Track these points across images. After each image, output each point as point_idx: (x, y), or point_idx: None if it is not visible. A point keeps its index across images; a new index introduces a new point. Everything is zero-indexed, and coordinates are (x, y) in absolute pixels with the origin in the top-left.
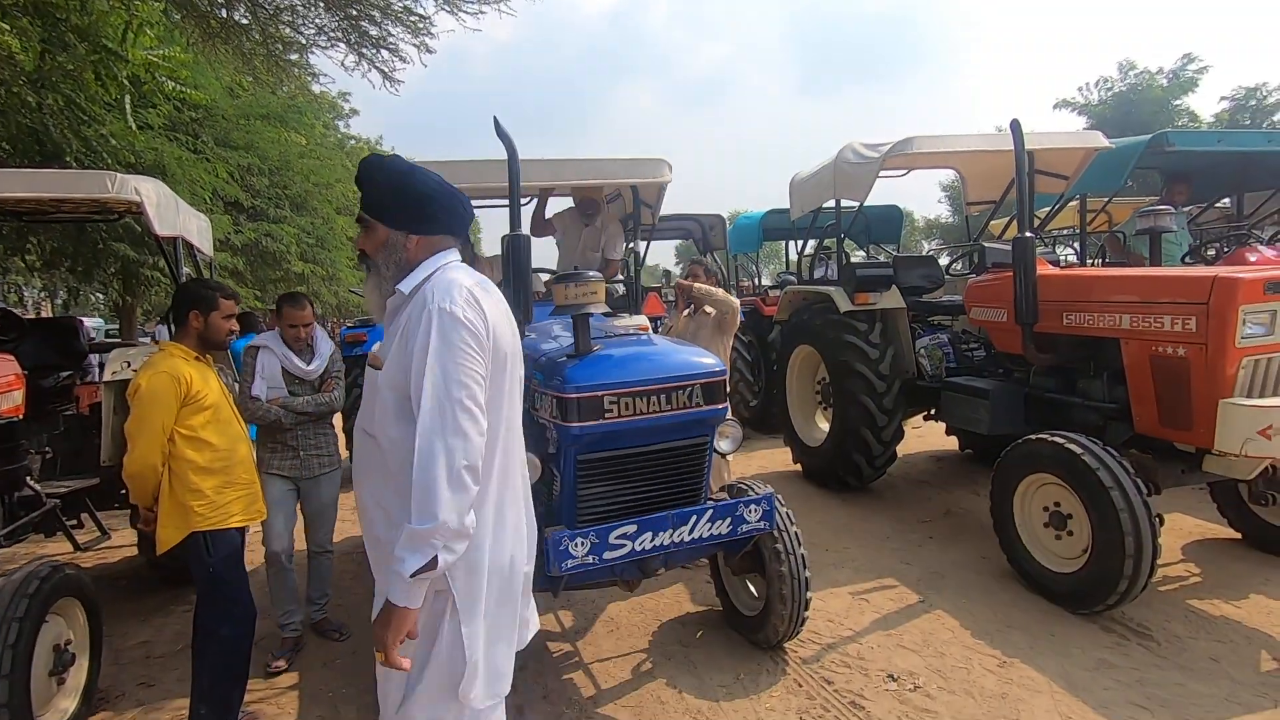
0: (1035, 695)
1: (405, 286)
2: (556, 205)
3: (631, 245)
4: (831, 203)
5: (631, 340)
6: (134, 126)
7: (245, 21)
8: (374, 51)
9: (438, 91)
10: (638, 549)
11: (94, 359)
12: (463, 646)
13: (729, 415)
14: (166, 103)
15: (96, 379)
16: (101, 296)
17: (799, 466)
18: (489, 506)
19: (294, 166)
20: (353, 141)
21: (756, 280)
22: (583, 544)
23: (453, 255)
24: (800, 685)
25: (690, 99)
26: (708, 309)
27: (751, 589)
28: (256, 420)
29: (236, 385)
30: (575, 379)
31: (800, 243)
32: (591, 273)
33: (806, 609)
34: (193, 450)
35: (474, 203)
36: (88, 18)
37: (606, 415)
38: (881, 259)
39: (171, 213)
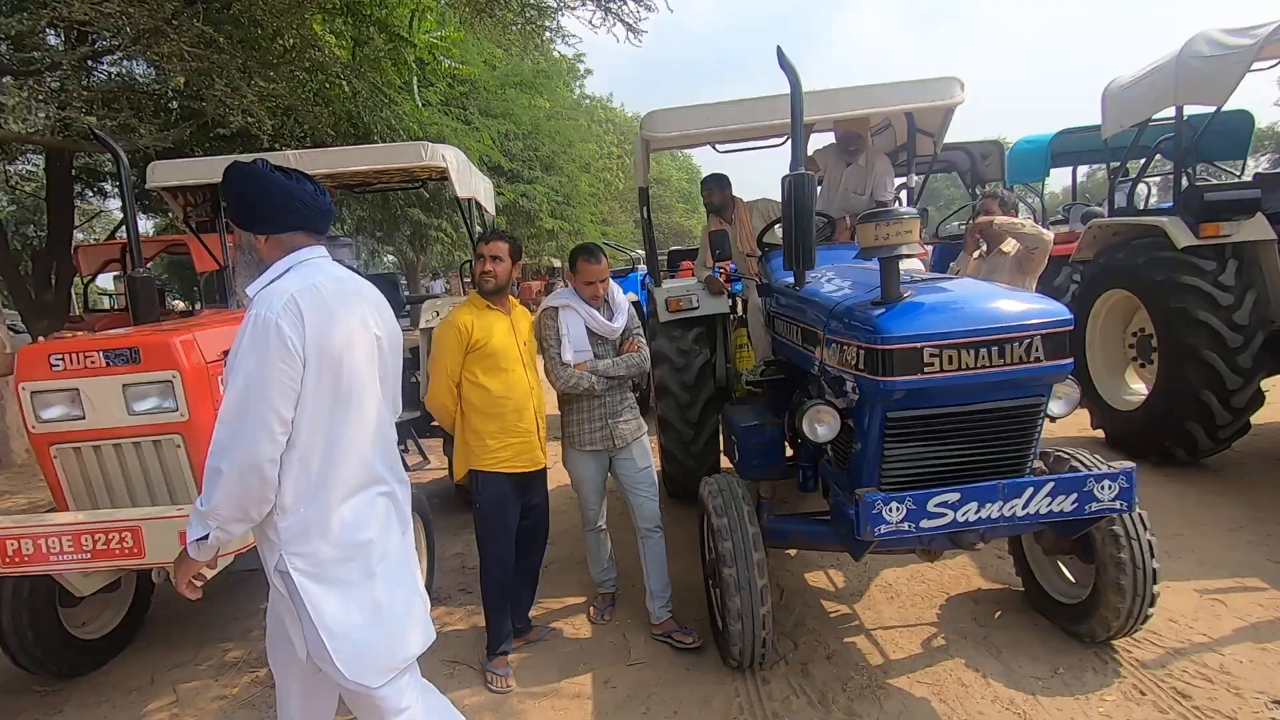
0: None
1: (252, 291)
2: (816, 142)
3: (904, 181)
4: (1168, 112)
5: (947, 284)
6: (420, 104)
7: None
8: (620, 4)
9: (657, 45)
10: (959, 520)
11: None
12: (320, 637)
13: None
14: (441, 80)
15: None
16: (392, 257)
17: (1100, 433)
18: (335, 499)
19: (543, 129)
20: (587, 100)
21: (1040, 214)
22: (898, 509)
23: (309, 253)
24: (1143, 693)
25: (921, 20)
26: (1004, 247)
27: (1066, 573)
28: (569, 389)
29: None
30: (889, 328)
31: (1110, 166)
32: (905, 209)
33: (1151, 605)
34: (475, 394)
35: (728, 146)
36: (385, 10)
37: (926, 370)
38: (1213, 181)
39: (467, 176)
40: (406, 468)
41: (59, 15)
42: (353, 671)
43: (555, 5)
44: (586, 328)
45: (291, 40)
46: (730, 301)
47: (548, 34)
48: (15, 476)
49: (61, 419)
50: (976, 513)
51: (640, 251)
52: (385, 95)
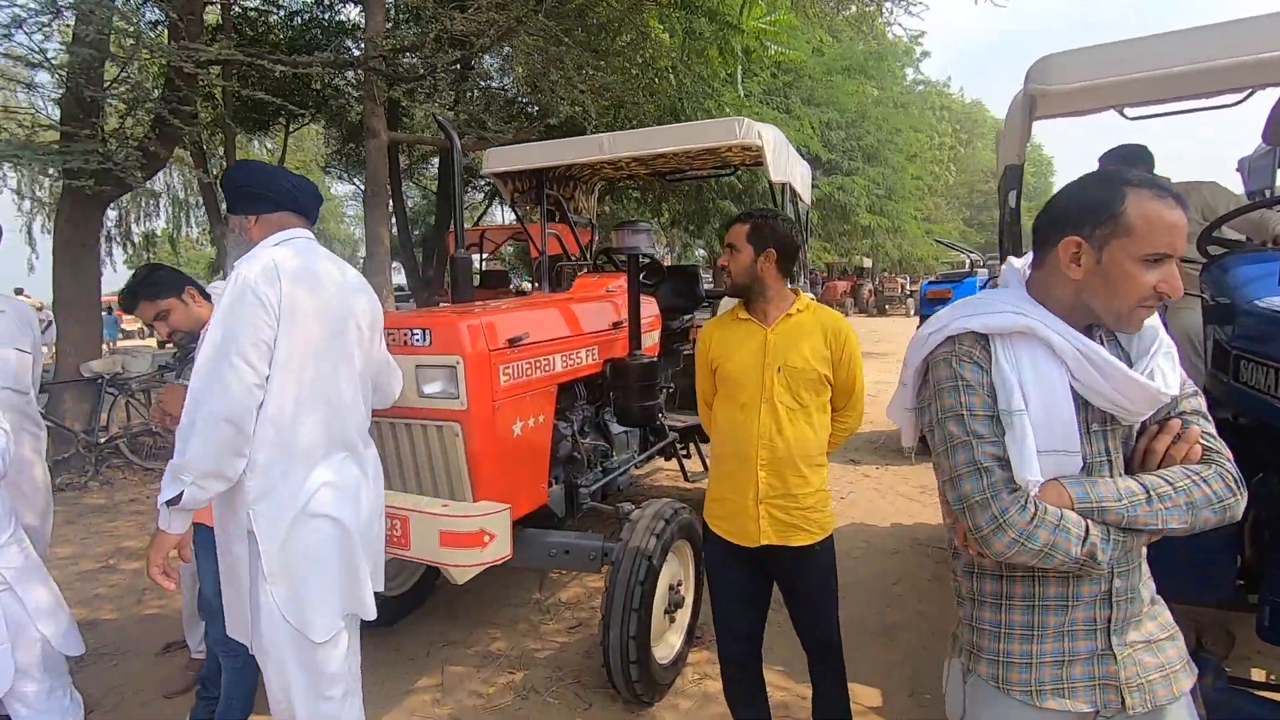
0: None
1: (238, 262)
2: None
3: None
4: None
5: None
6: (743, 95)
7: None
8: None
9: (984, 25)
10: None
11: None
12: (264, 588)
13: None
14: (764, 70)
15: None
16: (701, 251)
17: None
18: (297, 462)
19: (869, 117)
20: (921, 87)
21: None
22: None
23: (294, 234)
24: None
25: None
26: None
27: None
28: (1024, 555)
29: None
30: None
31: None
32: None
33: None
34: (711, 426)
35: (1141, 111)
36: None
37: None
38: None
39: (783, 158)
40: (686, 478)
41: (444, 29)
42: (298, 619)
43: None
44: (1072, 388)
45: (629, 37)
46: None
47: (888, 6)
48: None
49: None
50: None
51: (976, 254)
52: (710, 87)
